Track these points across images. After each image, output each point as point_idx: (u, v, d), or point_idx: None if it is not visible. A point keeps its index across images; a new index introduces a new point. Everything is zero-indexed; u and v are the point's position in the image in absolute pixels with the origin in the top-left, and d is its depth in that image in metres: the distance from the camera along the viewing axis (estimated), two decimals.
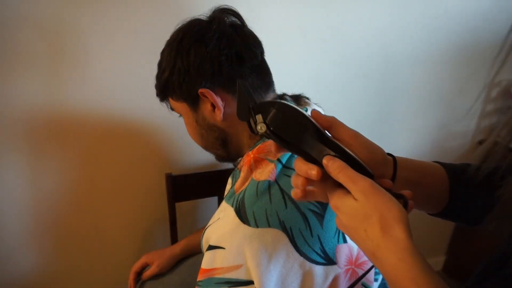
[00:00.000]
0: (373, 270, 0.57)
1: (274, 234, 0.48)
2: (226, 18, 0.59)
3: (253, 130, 0.41)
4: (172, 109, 0.66)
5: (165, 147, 1.02)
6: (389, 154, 0.47)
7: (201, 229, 0.92)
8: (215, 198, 1.08)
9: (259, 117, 0.40)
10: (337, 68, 1.09)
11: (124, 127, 0.95)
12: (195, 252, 0.91)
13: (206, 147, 0.67)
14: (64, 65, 0.84)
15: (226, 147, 0.64)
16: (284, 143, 0.39)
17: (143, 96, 0.92)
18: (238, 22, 0.60)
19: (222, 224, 0.51)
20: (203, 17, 0.60)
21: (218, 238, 0.50)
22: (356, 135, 0.42)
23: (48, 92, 0.85)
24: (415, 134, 1.32)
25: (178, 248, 0.89)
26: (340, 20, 1.02)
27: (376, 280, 0.61)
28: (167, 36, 0.62)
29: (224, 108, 0.57)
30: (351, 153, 0.39)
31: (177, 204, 1.02)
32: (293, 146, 0.39)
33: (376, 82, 1.15)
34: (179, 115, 0.66)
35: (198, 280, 0.52)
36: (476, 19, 1.17)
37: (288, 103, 0.40)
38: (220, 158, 0.70)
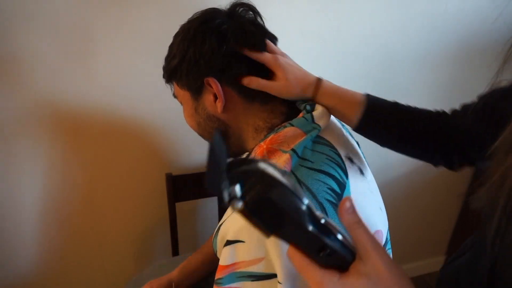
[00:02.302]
0: None
1: None
2: (246, 15, 0.59)
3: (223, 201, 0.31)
4: (175, 96, 0.65)
5: (165, 147, 1.02)
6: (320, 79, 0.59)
7: (197, 251, 0.89)
8: (215, 198, 1.08)
9: (234, 190, 0.30)
10: (337, 68, 1.09)
11: (125, 127, 0.95)
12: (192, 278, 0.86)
13: (203, 136, 0.67)
14: (65, 66, 0.84)
15: (226, 140, 0.64)
16: (263, 226, 0.32)
17: (144, 96, 0.92)
18: (254, 18, 0.60)
19: (238, 218, 0.49)
20: (223, 9, 0.60)
21: (236, 232, 0.49)
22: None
23: (48, 92, 0.85)
24: None
25: (173, 275, 0.84)
26: (340, 20, 1.02)
27: None
28: (169, 37, 0.61)
29: (226, 101, 0.57)
30: (341, 252, 0.32)
31: (177, 204, 1.02)
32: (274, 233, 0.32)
33: (376, 82, 1.15)
34: (180, 103, 0.66)
35: (217, 278, 0.50)
36: (476, 19, 1.17)
37: (273, 171, 0.31)
38: None
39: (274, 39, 0.63)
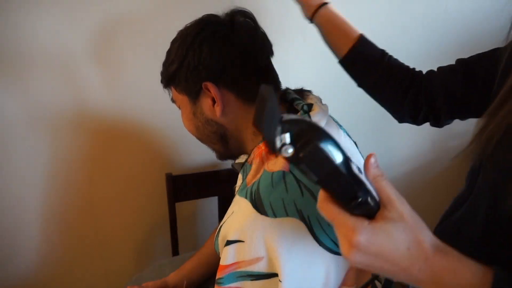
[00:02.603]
0: None
1: (293, 223, 0.48)
2: (241, 20, 0.60)
3: (273, 148, 0.34)
4: (173, 100, 0.66)
5: (165, 147, 1.02)
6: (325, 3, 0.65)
7: (194, 254, 0.88)
8: (215, 198, 1.08)
9: (285, 137, 0.33)
10: (337, 68, 1.09)
11: (125, 127, 0.95)
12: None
13: (201, 139, 0.67)
14: (65, 66, 0.84)
15: (225, 143, 0.64)
16: (310, 175, 0.35)
17: (144, 96, 0.93)
18: (253, 24, 0.61)
19: (238, 218, 0.50)
20: (220, 16, 0.60)
21: (236, 232, 0.49)
22: None
23: (47, 93, 0.85)
24: (415, 134, 1.32)
25: (170, 278, 0.84)
26: None
27: None
28: (171, 37, 0.61)
29: (224, 105, 0.57)
30: (370, 201, 0.36)
31: (177, 204, 1.02)
32: (317, 182, 0.35)
33: None
34: (178, 107, 0.66)
35: (217, 277, 0.50)
36: (476, 19, 1.17)
37: (329, 134, 0.35)
38: (220, 155, 0.69)
39: (267, 48, 0.62)
